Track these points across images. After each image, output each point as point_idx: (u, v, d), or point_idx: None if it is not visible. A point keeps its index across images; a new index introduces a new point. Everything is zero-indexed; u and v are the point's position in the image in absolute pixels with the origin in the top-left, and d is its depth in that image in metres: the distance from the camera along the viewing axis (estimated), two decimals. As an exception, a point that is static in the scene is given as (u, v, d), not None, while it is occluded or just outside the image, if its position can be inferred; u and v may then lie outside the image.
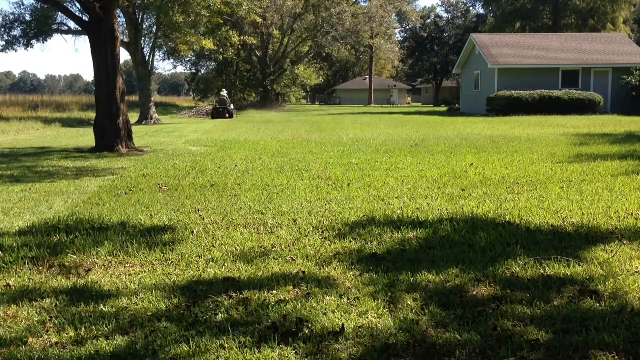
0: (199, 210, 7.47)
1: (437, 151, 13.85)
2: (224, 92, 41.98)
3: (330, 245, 5.75)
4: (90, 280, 4.83)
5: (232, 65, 58.35)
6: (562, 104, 32.23)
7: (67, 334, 3.80)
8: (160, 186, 9.51)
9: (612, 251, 5.20)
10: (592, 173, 9.81)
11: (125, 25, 32.81)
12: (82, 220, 6.94)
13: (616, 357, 3.37)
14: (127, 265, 5.23)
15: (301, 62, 62.03)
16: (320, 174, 10.45)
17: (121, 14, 30.45)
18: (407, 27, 76.59)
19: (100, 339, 3.71)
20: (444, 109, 49.90)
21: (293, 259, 5.31)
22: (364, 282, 4.67)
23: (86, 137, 20.65)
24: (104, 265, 5.25)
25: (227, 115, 37.46)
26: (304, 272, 4.90)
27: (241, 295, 4.38)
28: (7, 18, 26.50)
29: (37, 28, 26.12)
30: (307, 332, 3.74)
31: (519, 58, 35.71)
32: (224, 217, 7.08)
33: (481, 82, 37.72)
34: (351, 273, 4.89)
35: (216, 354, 3.48)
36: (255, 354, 3.48)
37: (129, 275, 4.96)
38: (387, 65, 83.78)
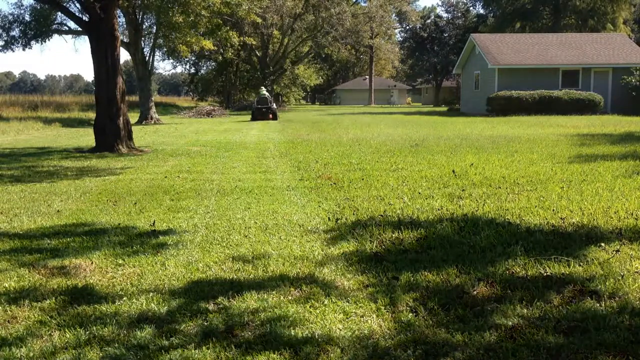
0: (198, 212, 7.47)
1: (437, 151, 13.85)
2: (264, 90, 37.41)
3: (330, 246, 5.74)
4: (88, 282, 4.82)
5: (231, 65, 58.33)
6: (562, 104, 32.23)
7: (65, 335, 3.79)
8: (160, 187, 9.51)
9: (612, 251, 5.19)
10: (592, 173, 9.80)
11: (125, 25, 32.82)
12: (82, 221, 6.93)
13: (616, 357, 3.36)
14: (125, 267, 5.21)
15: (301, 62, 62.00)
16: (320, 174, 10.45)
17: (121, 14, 30.47)
18: (407, 27, 76.56)
19: (98, 340, 3.70)
20: (444, 109, 49.90)
21: (293, 260, 5.30)
22: (363, 282, 4.66)
23: (86, 137, 20.64)
24: (102, 267, 5.24)
25: (271, 116, 33.59)
26: (303, 273, 4.89)
27: (240, 296, 4.37)
28: (6, 19, 26.43)
29: (36, 28, 26.04)
30: (306, 332, 3.73)
31: (519, 58, 35.69)
32: (223, 218, 7.08)
33: (481, 82, 37.71)
34: (351, 274, 4.88)
35: (213, 355, 3.47)
36: (253, 355, 3.47)
37: (128, 277, 4.95)
38: (387, 65, 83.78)
